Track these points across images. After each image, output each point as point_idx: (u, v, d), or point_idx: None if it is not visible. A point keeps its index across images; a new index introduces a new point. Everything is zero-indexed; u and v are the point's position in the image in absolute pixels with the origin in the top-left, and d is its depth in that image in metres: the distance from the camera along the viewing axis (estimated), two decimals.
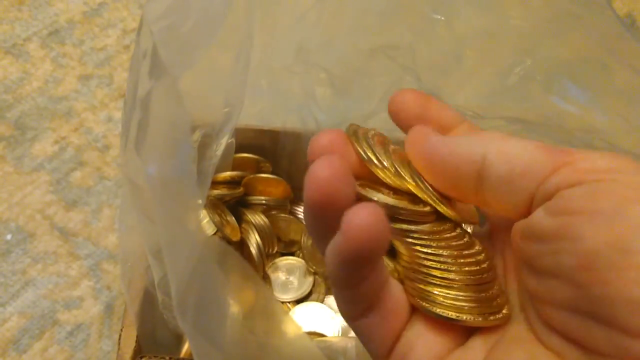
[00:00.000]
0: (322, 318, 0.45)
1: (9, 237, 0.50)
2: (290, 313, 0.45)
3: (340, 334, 0.45)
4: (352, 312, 0.22)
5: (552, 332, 0.20)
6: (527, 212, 0.21)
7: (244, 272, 0.19)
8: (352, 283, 0.21)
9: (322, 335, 0.43)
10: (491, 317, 0.22)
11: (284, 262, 0.49)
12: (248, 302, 0.18)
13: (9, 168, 0.53)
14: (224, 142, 0.38)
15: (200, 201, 0.42)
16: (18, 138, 0.55)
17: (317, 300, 0.47)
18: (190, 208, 0.18)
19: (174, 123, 0.19)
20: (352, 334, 0.45)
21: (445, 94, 0.36)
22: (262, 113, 0.46)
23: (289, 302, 0.47)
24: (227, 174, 0.47)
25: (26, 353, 0.46)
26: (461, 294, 0.22)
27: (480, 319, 0.21)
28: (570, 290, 0.19)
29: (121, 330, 0.37)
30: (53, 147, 0.55)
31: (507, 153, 0.21)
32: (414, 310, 0.23)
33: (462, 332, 0.23)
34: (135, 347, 0.37)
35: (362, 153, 0.23)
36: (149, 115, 0.19)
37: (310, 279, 0.48)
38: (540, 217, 0.20)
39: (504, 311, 0.22)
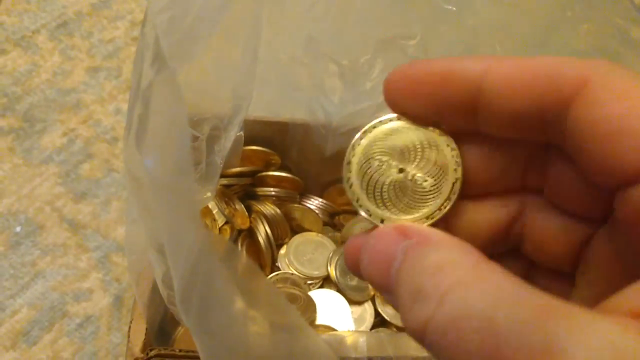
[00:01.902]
0: (336, 308, 0.45)
1: (18, 229, 0.50)
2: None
3: (353, 328, 0.44)
4: None
5: None
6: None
7: (246, 268, 0.18)
8: None
9: (333, 329, 0.43)
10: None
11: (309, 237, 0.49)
12: (252, 298, 0.18)
13: (18, 160, 0.54)
14: (232, 134, 0.38)
15: (209, 193, 0.42)
16: (27, 130, 0.55)
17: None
18: (189, 203, 0.18)
19: (172, 117, 0.19)
20: (363, 327, 0.45)
21: None
22: (271, 105, 0.46)
23: (310, 281, 0.47)
24: (237, 170, 0.47)
25: (36, 345, 0.46)
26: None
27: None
28: None
29: (130, 322, 0.37)
30: (62, 139, 0.55)
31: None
32: None
33: None
34: (144, 339, 0.37)
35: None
36: (149, 109, 0.19)
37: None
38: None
39: None
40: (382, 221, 0.22)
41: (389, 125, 0.22)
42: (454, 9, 0.32)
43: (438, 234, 0.18)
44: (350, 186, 0.22)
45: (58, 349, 0.46)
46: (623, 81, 0.17)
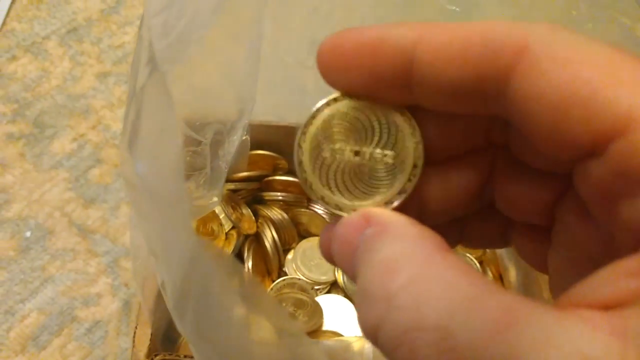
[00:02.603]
0: (343, 313, 0.44)
1: (28, 234, 0.51)
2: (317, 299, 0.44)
3: (360, 334, 0.44)
4: None
5: None
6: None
7: (240, 277, 0.18)
8: None
9: (340, 335, 0.43)
10: None
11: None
12: (250, 307, 0.18)
13: (28, 166, 0.54)
14: (236, 138, 0.38)
15: (215, 198, 0.42)
16: (37, 136, 0.56)
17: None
18: (180, 210, 0.17)
19: (163, 121, 0.18)
20: None
21: None
22: (277, 109, 0.46)
23: (317, 286, 0.46)
24: (244, 174, 0.46)
25: (45, 349, 0.46)
26: None
27: None
28: None
29: (135, 328, 0.37)
30: (71, 144, 0.55)
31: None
32: None
33: None
34: (149, 345, 0.37)
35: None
36: (141, 112, 0.18)
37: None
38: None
39: None
40: (337, 208, 0.20)
41: (338, 106, 0.20)
42: (458, 9, 0.32)
43: (398, 222, 0.17)
44: (304, 174, 0.20)
45: (67, 353, 0.46)
46: (565, 45, 0.15)
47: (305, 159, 0.20)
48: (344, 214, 0.20)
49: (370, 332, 0.15)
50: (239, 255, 0.45)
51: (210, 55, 0.31)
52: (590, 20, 0.28)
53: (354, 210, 0.20)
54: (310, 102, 0.45)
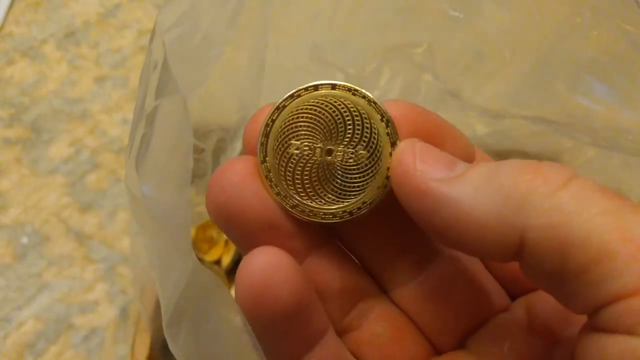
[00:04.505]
0: None
1: (25, 240, 0.50)
2: None
3: None
4: None
5: None
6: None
7: (233, 307, 0.18)
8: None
9: None
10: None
11: None
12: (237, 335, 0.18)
13: (25, 171, 0.53)
14: (239, 146, 0.37)
15: None
16: (34, 141, 0.55)
17: None
18: (182, 235, 0.17)
19: (175, 144, 0.18)
20: None
21: (464, 93, 0.35)
22: None
23: None
24: None
25: (42, 357, 0.45)
26: None
27: None
28: None
29: (135, 336, 0.37)
30: (69, 149, 0.55)
31: (560, 234, 0.15)
32: None
33: None
34: (149, 353, 0.37)
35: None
36: (152, 132, 0.18)
37: None
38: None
39: None
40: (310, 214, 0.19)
41: (311, 96, 0.19)
42: (461, 15, 0.32)
43: None
44: (267, 171, 0.19)
45: None
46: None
47: (270, 156, 0.19)
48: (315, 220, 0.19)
49: None
50: (238, 262, 0.45)
51: (210, 77, 0.30)
52: (595, 27, 0.28)
53: (323, 215, 0.19)
54: None
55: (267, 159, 0.19)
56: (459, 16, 0.33)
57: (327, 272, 0.20)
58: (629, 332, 0.14)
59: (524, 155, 0.39)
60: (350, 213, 0.19)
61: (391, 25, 0.35)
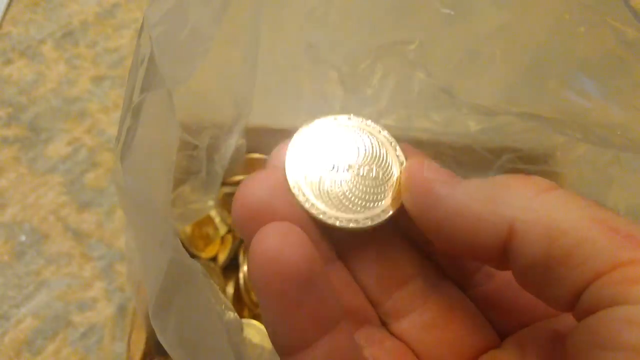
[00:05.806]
0: None
1: (23, 238, 0.50)
2: None
3: None
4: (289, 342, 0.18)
5: None
6: (566, 306, 0.17)
7: (216, 295, 0.18)
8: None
9: None
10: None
11: None
12: (226, 323, 0.18)
13: (23, 169, 0.54)
14: (233, 143, 0.38)
15: (211, 202, 0.41)
16: (32, 140, 0.55)
17: None
18: (164, 226, 0.17)
19: (160, 138, 0.18)
20: None
21: (457, 90, 0.35)
22: (272, 112, 0.46)
23: None
24: (240, 178, 0.46)
25: (40, 354, 0.46)
26: None
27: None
28: None
29: (130, 332, 0.37)
30: (67, 148, 0.55)
31: (545, 224, 0.17)
32: None
33: None
34: (144, 349, 0.37)
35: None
36: (137, 125, 0.18)
37: None
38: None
39: None
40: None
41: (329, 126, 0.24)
42: (452, 13, 0.32)
43: None
44: (297, 188, 0.21)
45: (62, 358, 0.46)
46: None
47: (300, 178, 0.22)
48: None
49: None
50: (234, 260, 0.45)
51: (207, 59, 0.31)
52: (582, 23, 0.28)
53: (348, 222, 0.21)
54: (306, 106, 0.45)
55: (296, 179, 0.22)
56: (450, 13, 0.33)
57: (339, 288, 0.22)
58: (612, 303, 0.15)
59: (516, 151, 0.39)
60: (372, 219, 0.22)
61: (384, 22, 0.35)
